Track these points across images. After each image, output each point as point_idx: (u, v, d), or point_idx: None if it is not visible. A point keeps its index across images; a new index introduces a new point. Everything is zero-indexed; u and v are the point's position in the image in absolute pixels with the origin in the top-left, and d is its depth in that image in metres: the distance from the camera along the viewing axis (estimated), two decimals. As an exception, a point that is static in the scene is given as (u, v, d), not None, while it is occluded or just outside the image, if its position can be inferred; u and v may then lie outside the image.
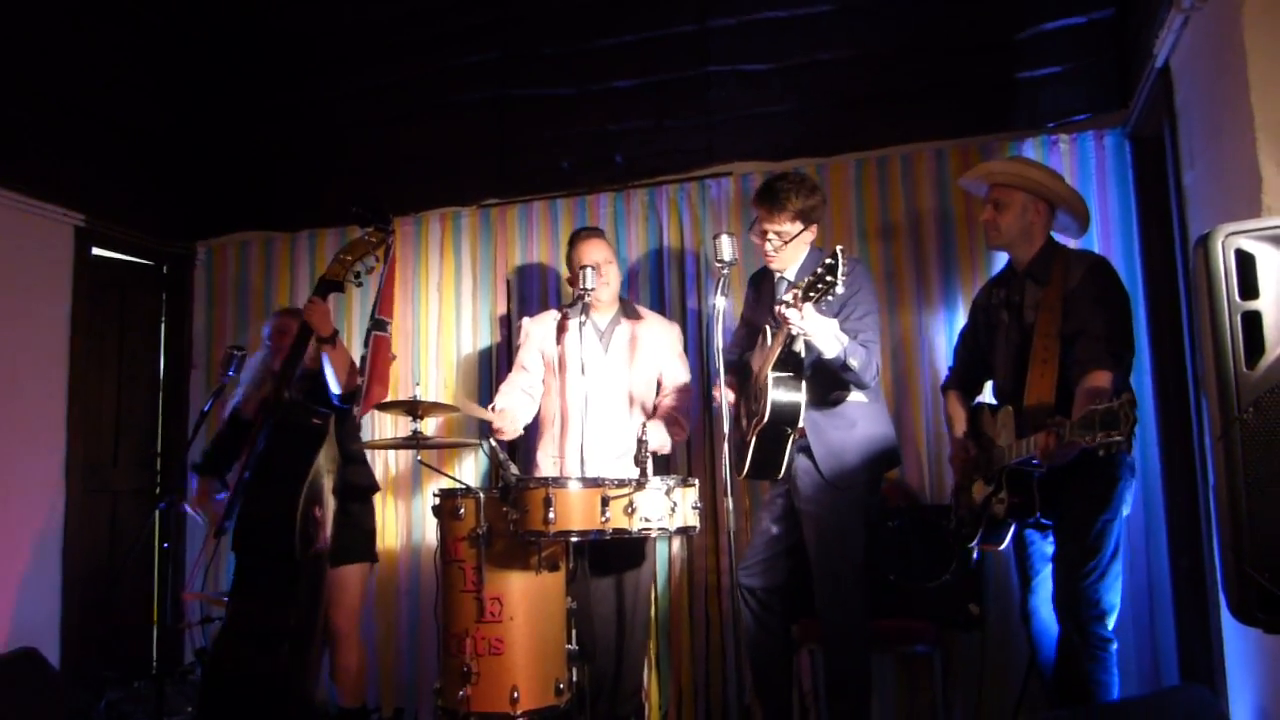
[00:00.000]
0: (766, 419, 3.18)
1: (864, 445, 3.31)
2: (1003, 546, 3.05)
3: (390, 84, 4.99)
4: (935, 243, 4.09)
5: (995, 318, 3.20)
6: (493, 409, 3.83)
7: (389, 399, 3.94)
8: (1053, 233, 3.17)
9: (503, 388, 3.97)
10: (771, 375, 3.18)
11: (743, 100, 4.44)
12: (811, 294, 2.83)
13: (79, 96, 4.81)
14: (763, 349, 3.35)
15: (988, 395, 3.36)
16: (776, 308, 3.01)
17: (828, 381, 3.23)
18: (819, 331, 3.03)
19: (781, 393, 3.16)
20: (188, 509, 3.96)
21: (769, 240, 3.38)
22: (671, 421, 3.82)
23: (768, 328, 3.32)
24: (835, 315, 3.16)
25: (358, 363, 3.74)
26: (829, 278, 2.74)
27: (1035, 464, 2.79)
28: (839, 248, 2.73)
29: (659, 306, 4.38)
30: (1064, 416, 2.61)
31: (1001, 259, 3.36)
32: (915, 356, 4.06)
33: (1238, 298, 1.67)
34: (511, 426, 3.79)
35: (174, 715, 4.04)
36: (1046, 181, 3.12)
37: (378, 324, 3.70)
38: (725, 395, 3.12)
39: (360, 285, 3.84)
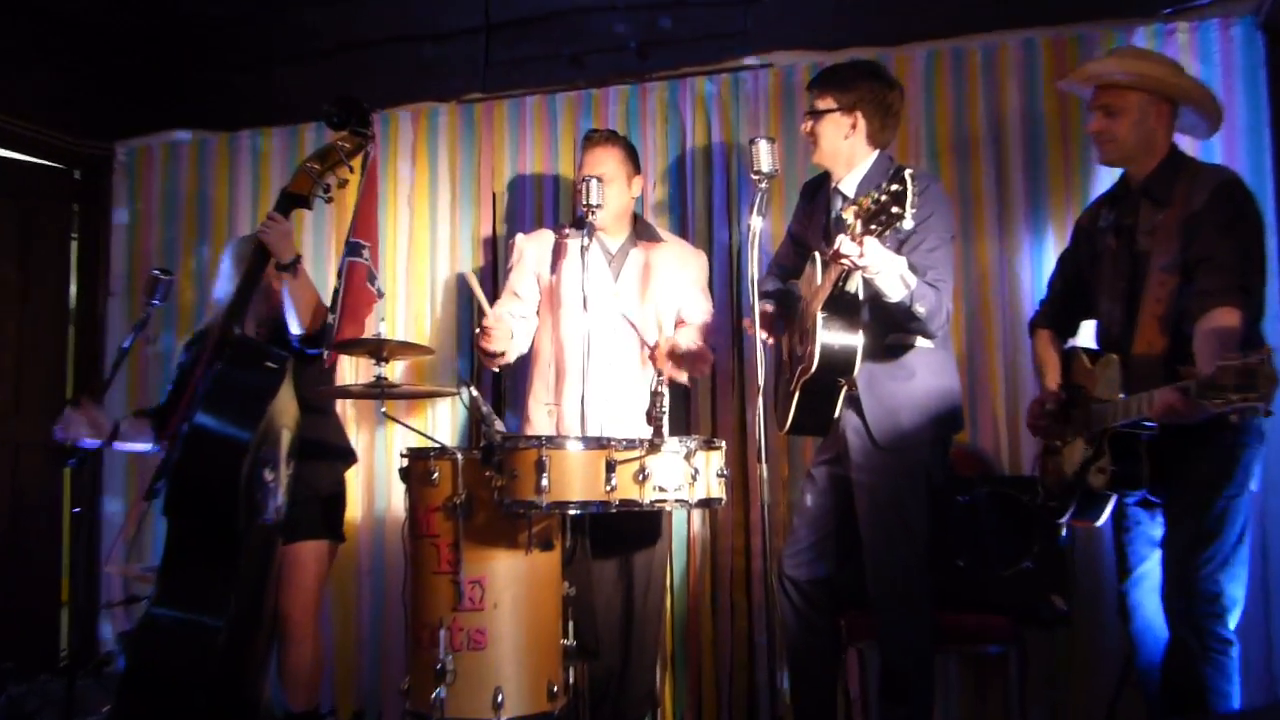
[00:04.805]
0: (815, 367, 2.94)
1: (922, 399, 3.05)
2: (1100, 523, 2.88)
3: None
4: (1021, 155, 3.78)
5: (1101, 243, 2.97)
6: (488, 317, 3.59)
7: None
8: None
9: (490, 313, 3.70)
10: (821, 315, 2.94)
11: (788, -27, 4.13)
12: (873, 226, 2.55)
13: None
14: (811, 278, 3.11)
15: (1082, 339, 3.15)
16: (835, 245, 2.71)
17: (887, 324, 2.98)
18: (882, 270, 2.76)
19: (833, 335, 2.93)
20: (58, 433, 3.63)
21: (807, 121, 3.19)
22: (693, 353, 3.59)
23: (817, 256, 3.08)
24: (901, 244, 2.92)
25: (329, 295, 3.52)
26: (895, 208, 2.44)
27: (1148, 425, 2.61)
28: (908, 171, 2.43)
29: (680, 227, 4.08)
30: (1189, 366, 2.42)
31: (1106, 176, 3.10)
32: (993, 294, 3.74)
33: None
34: (502, 343, 3.57)
35: (87, 715, 3.75)
36: (1168, 77, 2.86)
37: (353, 249, 3.49)
38: (761, 333, 2.89)
39: (330, 201, 3.57)
